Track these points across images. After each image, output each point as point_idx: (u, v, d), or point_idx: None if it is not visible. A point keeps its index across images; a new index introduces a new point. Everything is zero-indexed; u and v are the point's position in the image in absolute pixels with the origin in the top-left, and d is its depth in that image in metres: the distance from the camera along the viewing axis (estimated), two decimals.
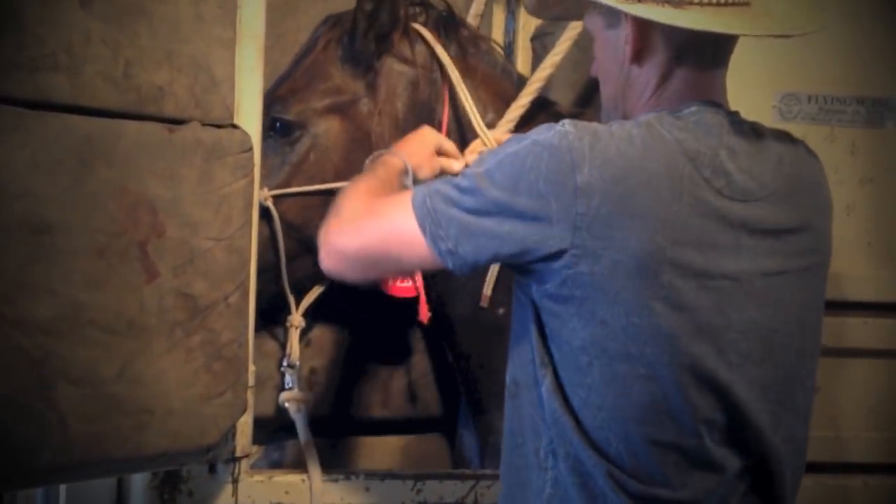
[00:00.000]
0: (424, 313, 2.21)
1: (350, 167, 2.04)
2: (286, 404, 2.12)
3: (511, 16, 2.59)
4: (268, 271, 2.05)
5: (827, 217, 1.63)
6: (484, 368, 2.27)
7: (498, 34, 2.53)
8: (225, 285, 1.80)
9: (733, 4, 1.50)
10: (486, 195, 1.46)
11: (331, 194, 2.01)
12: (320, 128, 2.08)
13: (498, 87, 2.21)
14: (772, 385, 1.53)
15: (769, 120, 2.05)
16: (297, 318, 2.17)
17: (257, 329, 1.96)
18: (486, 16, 2.49)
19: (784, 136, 1.61)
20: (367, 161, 1.84)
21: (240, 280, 1.82)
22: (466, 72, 2.16)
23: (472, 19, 2.42)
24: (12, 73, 1.58)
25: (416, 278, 2.21)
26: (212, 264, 1.77)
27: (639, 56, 1.55)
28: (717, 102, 1.55)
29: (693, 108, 1.52)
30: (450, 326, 2.30)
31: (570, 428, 1.49)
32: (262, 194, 1.99)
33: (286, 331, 2.17)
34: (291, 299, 2.15)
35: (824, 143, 2.12)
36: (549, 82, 2.20)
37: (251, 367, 1.90)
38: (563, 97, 2.38)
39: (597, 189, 1.42)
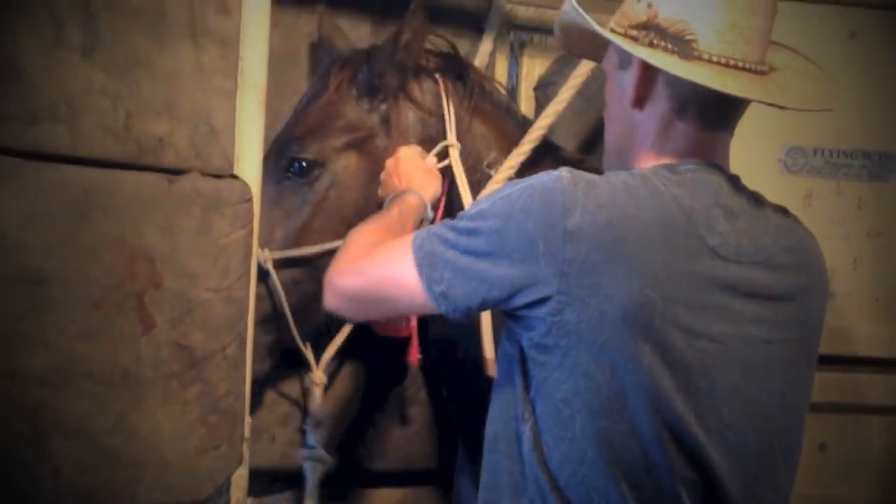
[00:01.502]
0: (414, 356, 2.19)
1: (368, 202, 2.05)
2: (306, 464, 2.10)
3: (515, 64, 2.60)
4: (276, 323, 2.05)
5: (821, 293, 1.60)
6: (481, 414, 2.25)
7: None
8: (222, 336, 1.78)
9: (746, 69, 1.49)
10: (479, 235, 1.46)
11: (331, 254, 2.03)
12: (339, 164, 2.09)
13: (502, 126, 2.23)
14: (751, 457, 1.50)
15: (775, 173, 2.04)
16: (318, 375, 2.15)
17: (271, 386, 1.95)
18: (489, 67, 2.50)
19: (782, 209, 1.60)
20: (386, 200, 1.92)
21: (237, 331, 1.80)
22: (472, 111, 2.18)
23: None
24: (10, 124, 1.58)
25: (410, 320, 2.19)
26: (209, 315, 1.76)
27: (641, 101, 1.54)
28: (716, 164, 1.54)
29: (690, 166, 1.51)
30: (446, 371, 2.27)
31: (549, 488, 1.46)
32: (261, 256, 1.99)
33: (304, 388, 2.15)
34: (310, 354, 2.14)
35: (831, 196, 2.10)
36: (552, 130, 2.19)
37: (247, 419, 1.88)
38: (567, 146, 2.37)
39: (587, 234, 1.40)
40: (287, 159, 2.07)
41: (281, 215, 2.05)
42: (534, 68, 2.60)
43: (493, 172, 2.16)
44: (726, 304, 1.45)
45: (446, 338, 2.26)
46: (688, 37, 1.47)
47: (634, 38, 1.50)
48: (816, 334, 1.59)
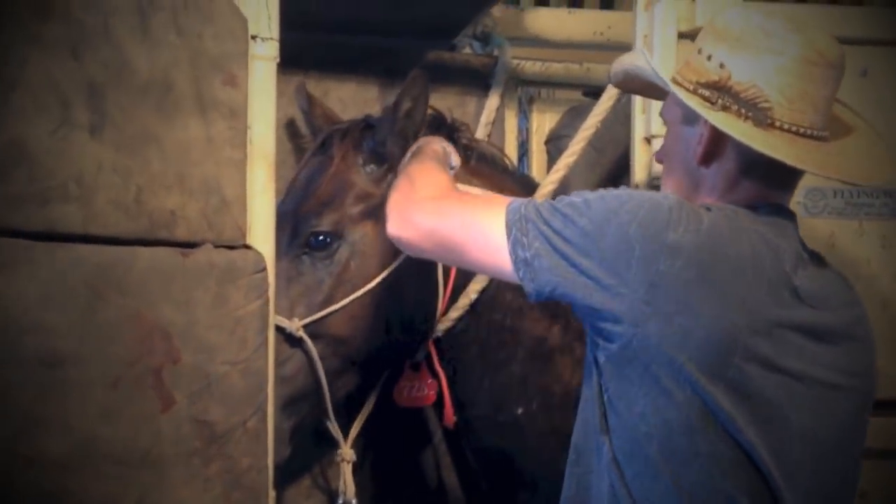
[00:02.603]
0: (450, 417, 2.15)
1: (386, 269, 2.04)
2: None
3: (524, 119, 2.61)
4: (309, 399, 2.04)
5: (873, 349, 1.59)
6: (506, 476, 2.22)
7: (511, 139, 2.54)
8: (242, 410, 1.75)
9: (812, 137, 1.50)
10: (576, 223, 1.45)
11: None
12: (357, 234, 2.09)
13: (500, 185, 2.22)
14: (816, 502, 1.48)
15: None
16: (347, 452, 2.13)
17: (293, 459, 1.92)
18: (498, 122, 2.50)
19: (836, 268, 1.61)
20: (413, 147, 1.99)
21: (257, 403, 1.77)
22: (469, 171, 2.18)
23: (482, 128, 2.45)
24: (21, 206, 1.57)
25: (429, 385, 2.17)
26: (228, 389, 1.72)
27: (708, 159, 1.55)
28: (789, 209, 1.55)
29: (769, 208, 1.52)
30: (472, 431, 2.24)
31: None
32: (291, 325, 1.98)
33: (330, 464, 2.13)
34: (337, 430, 2.12)
35: (854, 237, 2.06)
36: (564, 184, 2.18)
37: (271, 493, 1.84)
38: None
39: (684, 252, 1.41)
40: (305, 234, 2.06)
41: (301, 291, 2.04)
42: (544, 122, 2.62)
43: None
44: (803, 344, 1.46)
45: (467, 402, 2.23)
46: (762, 103, 1.48)
47: (707, 99, 1.51)
48: (872, 389, 1.58)
